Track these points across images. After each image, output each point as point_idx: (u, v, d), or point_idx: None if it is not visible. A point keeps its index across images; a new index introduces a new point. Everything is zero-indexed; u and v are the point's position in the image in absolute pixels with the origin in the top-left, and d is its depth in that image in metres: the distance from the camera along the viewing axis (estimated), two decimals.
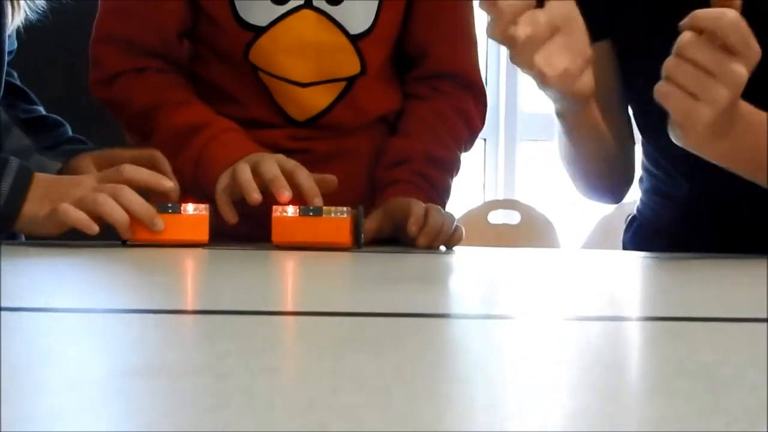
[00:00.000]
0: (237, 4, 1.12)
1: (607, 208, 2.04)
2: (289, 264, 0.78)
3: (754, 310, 0.47)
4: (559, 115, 0.99)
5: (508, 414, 0.22)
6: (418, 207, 1.02)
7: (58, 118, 1.11)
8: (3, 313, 0.39)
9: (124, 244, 0.92)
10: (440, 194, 1.17)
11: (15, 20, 1.04)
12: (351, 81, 1.17)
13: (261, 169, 0.98)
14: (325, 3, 1.13)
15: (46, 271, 0.65)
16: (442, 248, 1.02)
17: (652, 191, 1.17)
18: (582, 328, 0.39)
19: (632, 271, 0.81)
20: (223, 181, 1.01)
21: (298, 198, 0.97)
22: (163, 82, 1.14)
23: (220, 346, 0.32)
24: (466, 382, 0.26)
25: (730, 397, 0.24)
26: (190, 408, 0.22)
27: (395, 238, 1.07)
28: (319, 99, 1.17)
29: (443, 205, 1.16)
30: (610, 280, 0.70)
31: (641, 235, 1.18)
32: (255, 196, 0.96)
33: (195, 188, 1.07)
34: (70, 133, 1.09)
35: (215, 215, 0.98)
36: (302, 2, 1.12)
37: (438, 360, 0.30)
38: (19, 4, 1.04)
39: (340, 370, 0.27)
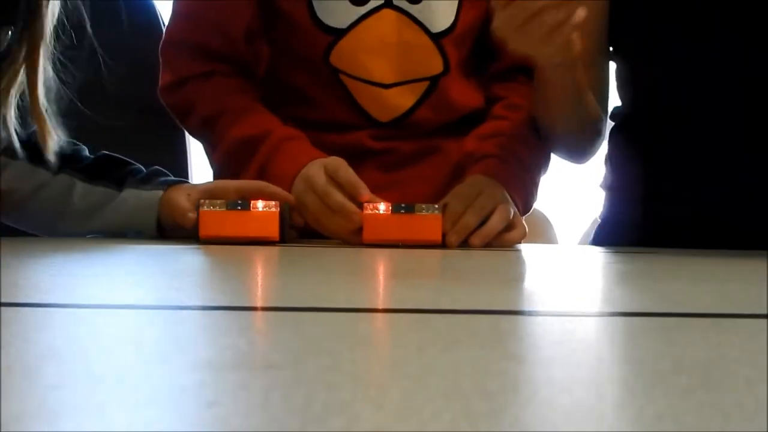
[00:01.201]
0: (315, 6, 1.10)
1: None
2: (299, 260, 0.78)
3: (751, 306, 0.48)
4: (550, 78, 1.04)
5: (504, 408, 0.22)
6: (455, 204, 1.00)
7: (115, 155, 1.06)
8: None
9: (199, 241, 0.93)
10: (531, 175, 1.14)
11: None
12: (434, 80, 1.15)
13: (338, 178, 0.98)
14: (405, 2, 1.10)
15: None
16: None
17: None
18: (576, 325, 0.39)
19: (628, 267, 0.81)
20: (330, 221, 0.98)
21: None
22: (229, 88, 1.13)
23: (222, 342, 0.32)
24: (465, 377, 0.26)
25: (726, 394, 0.24)
26: (191, 402, 0.22)
27: None
28: (402, 99, 1.14)
29: (532, 188, 1.13)
30: (605, 277, 0.70)
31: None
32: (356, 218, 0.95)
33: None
34: (142, 167, 1.07)
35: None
36: (382, 2, 1.10)
37: (435, 355, 0.30)
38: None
39: (337, 366, 0.27)
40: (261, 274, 0.65)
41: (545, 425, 0.21)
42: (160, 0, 1.49)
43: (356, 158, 1.12)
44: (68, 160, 1.03)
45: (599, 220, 1.22)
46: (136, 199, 0.99)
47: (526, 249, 1.01)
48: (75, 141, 1.07)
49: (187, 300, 0.47)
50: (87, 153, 1.06)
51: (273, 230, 0.93)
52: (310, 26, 1.11)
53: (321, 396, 0.23)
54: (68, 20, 1.01)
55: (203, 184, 1.03)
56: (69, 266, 0.67)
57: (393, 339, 0.33)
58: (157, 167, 1.06)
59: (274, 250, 0.88)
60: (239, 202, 0.93)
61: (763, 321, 0.40)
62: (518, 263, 0.82)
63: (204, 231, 0.92)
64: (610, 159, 1.19)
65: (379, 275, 0.63)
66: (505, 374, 0.26)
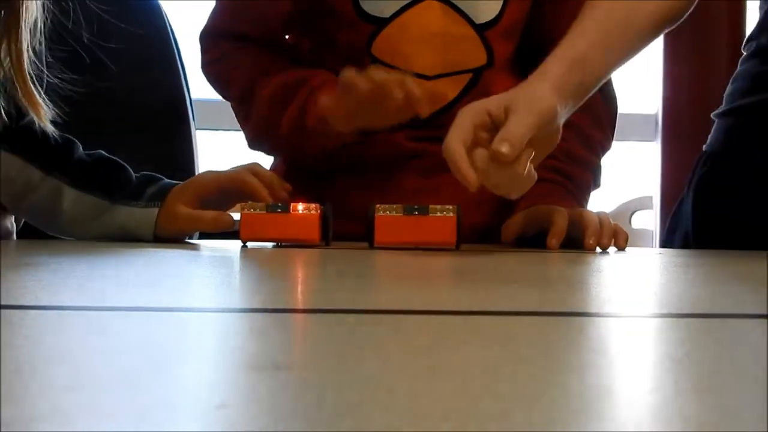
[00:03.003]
0: None
1: (610, 205, 2.04)
2: (306, 261, 0.78)
3: (757, 306, 0.47)
4: None
5: (513, 410, 0.22)
6: (560, 217, 1.00)
7: (109, 158, 1.04)
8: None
9: (244, 245, 0.94)
10: (582, 191, 1.14)
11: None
12: (477, 73, 1.13)
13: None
14: None
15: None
16: (613, 249, 1.00)
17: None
18: (584, 326, 0.39)
19: (632, 268, 0.81)
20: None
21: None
22: (265, 55, 1.15)
23: (231, 344, 0.32)
24: (474, 378, 0.26)
25: (735, 394, 0.24)
26: (201, 404, 0.22)
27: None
28: (444, 92, 1.13)
29: (585, 203, 1.13)
30: (610, 278, 0.70)
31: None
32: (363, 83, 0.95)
33: (302, 141, 1.06)
34: (132, 172, 1.03)
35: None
36: None
37: (444, 356, 0.30)
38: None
39: (346, 367, 0.27)
40: (271, 276, 0.65)
41: (554, 426, 0.21)
42: (167, 0, 1.50)
43: (393, 162, 1.11)
44: (60, 159, 1.02)
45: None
46: (128, 216, 1.00)
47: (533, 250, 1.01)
48: (69, 136, 1.06)
49: (196, 302, 0.48)
50: (81, 150, 1.05)
51: (313, 233, 0.93)
52: (353, 16, 1.10)
53: (330, 397, 0.23)
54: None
55: (188, 185, 1.02)
56: (79, 268, 0.67)
57: (402, 340, 0.33)
58: (144, 172, 1.05)
59: (288, 253, 0.88)
60: (279, 204, 0.94)
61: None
62: (529, 264, 0.82)
63: (245, 233, 0.93)
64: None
65: (388, 276, 0.63)
66: (515, 375, 0.26)
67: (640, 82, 2.37)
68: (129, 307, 0.43)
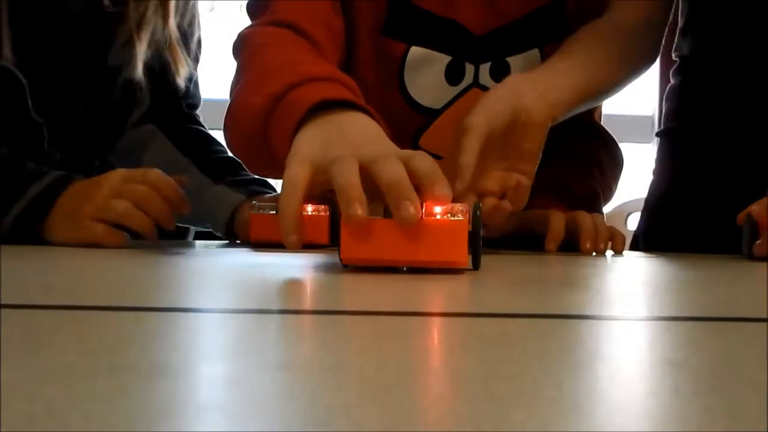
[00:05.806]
0: (408, 84, 1.05)
1: (606, 206, 2.04)
2: (278, 265, 0.78)
3: (755, 310, 0.48)
4: None
5: (510, 411, 0.22)
6: (557, 221, 1.00)
7: (235, 159, 1.15)
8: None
9: (241, 244, 0.95)
10: (580, 200, 1.14)
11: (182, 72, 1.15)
12: None
13: (375, 168, 0.63)
14: (492, 81, 1.07)
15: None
16: (610, 253, 1.00)
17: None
18: (582, 328, 0.39)
19: (630, 271, 0.81)
20: (301, 171, 0.66)
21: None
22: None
23: (226, 343, 0.33)
24: (471, 380, 0.26)
25: (732, 397, 0.24)
26: (195, 404, 0.22)
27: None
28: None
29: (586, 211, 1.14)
30: (610, 281, 0.70)
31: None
32: (359, 212, 0.62)
33: (260, 144, 0.80)
34: (252, 175, 1.13)
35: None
36: (471, 81, 1.07)
37: (441, 357, 0.31)
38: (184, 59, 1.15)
39: (342, 368, 0.27)
40: (267, 277, 0.66)
41: (550, 427, 0.21)
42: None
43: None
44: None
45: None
46: (218, 194, 1.06)
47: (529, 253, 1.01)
48: (203, 130, 1.23)
49: (195, 303, 0.48)
50: (224, 154, 1.17)
51: (322, 235, 0.93)
52: (402, 106, 1.06)
53: (325, 398, 0.23)
54: None
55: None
56: (79, 269, 0.67)
57: (398, 341, 0.33)
58: (258, 178, 1.11)
59: (293, 254, 0.88)
60: None
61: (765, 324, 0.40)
62: (526, 267, 0.82)
63: (254, 234, 0.94)
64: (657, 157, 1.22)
65: (387, 278, 0.63)
66: (512, 377, 0.27)
67: (637, 84, 2.37)
68: (127, 307, 0.43)
